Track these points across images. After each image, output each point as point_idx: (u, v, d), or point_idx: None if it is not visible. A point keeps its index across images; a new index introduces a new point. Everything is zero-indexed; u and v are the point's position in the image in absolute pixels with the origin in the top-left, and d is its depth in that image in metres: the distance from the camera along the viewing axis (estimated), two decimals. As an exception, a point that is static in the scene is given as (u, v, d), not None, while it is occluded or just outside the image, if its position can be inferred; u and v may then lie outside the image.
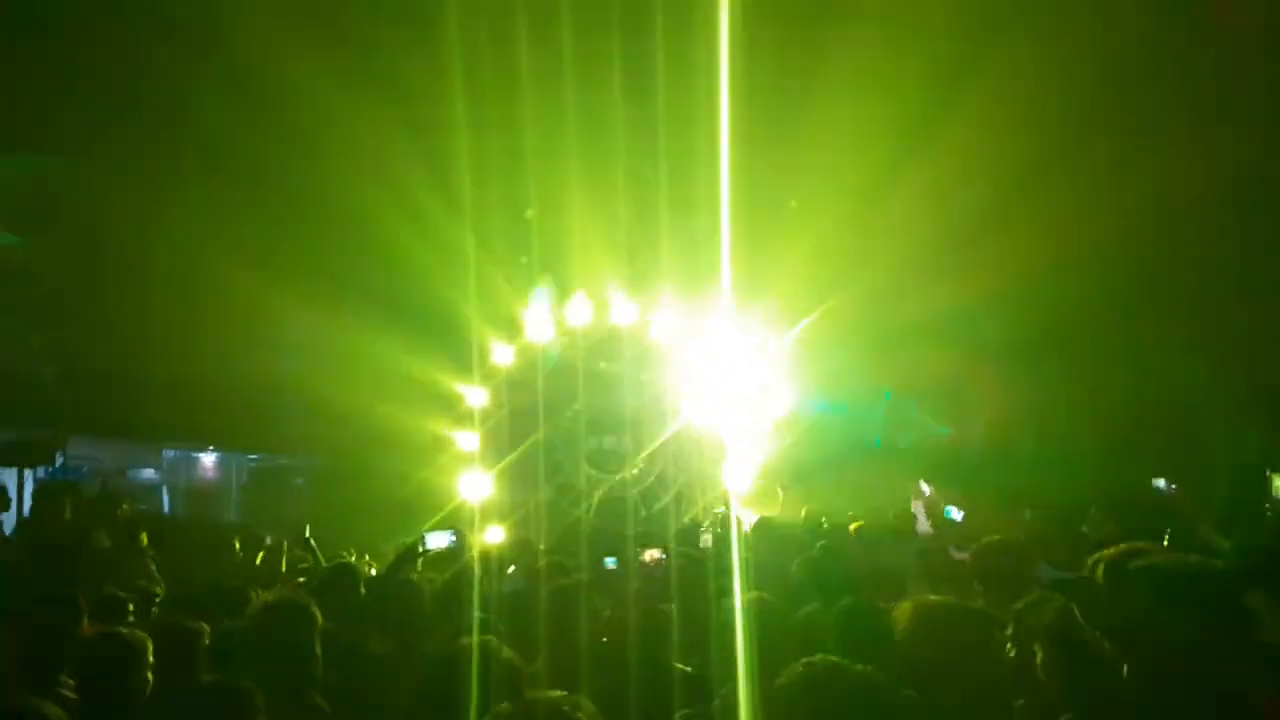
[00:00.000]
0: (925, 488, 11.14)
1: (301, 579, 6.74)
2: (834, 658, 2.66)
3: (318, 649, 3.65)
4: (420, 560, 6.80)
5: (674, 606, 4.39)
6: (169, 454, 16.53)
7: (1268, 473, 9.85)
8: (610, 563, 7.03)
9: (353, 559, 7.98)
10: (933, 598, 3.84)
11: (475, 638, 3.21)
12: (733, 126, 10.23)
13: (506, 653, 3.11)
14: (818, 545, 6.90)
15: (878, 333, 12.35)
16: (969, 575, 5.48)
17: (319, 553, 7.57)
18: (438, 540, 7.01)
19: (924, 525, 9.28)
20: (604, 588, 5.94)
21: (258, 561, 8.22)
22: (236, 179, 11.73)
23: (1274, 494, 9.74)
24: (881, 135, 10.87)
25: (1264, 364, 10.93)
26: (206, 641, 3.93)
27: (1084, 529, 7.40)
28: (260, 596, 4.08)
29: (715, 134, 10.37)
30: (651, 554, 7.31)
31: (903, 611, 3.61)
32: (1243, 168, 10.41)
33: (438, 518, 11.16)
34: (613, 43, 10.80)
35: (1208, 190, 10.71)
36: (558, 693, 2.59)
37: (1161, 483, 11.60)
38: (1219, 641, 2.54)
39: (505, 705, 2.59)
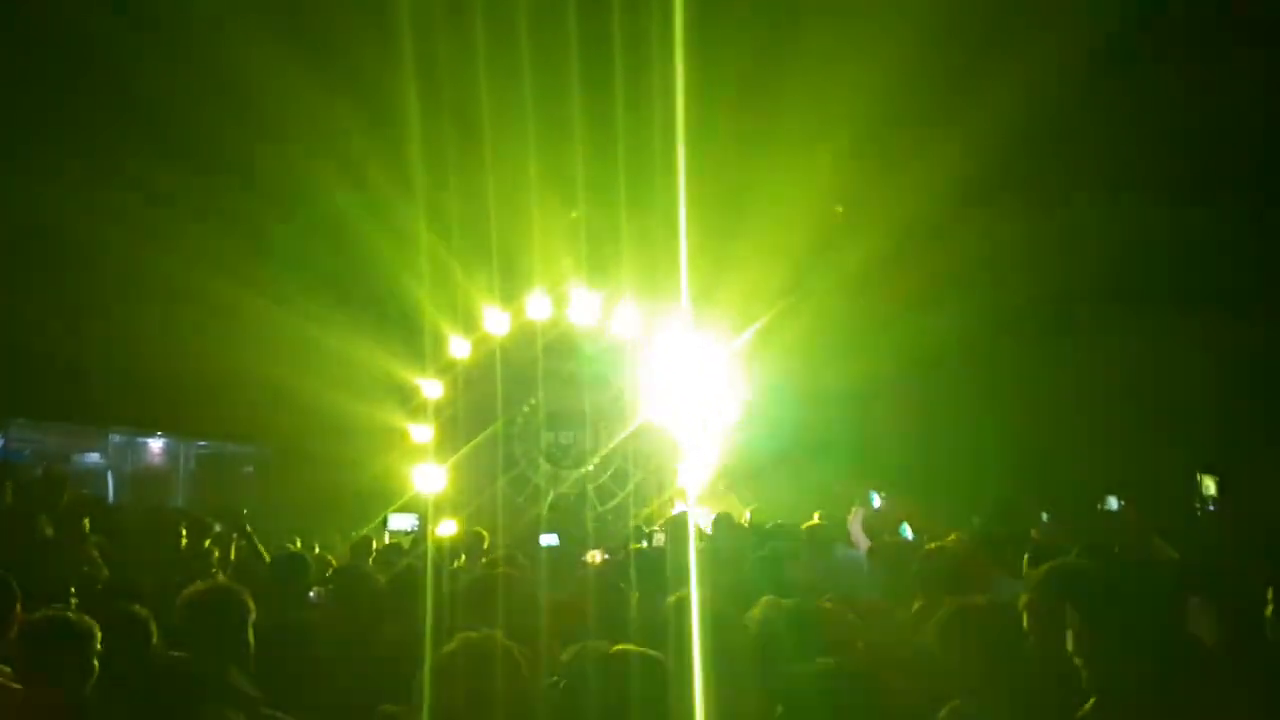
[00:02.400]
0: (876, 499, 10.50)
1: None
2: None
3: (250, 637, 3.62)
4: (373, 553, 6.75)
5: (632, 603, 4.40)
6: (115, 439, 16.23)
7: (1198, 475, 10.00)
8: (548, 540, 7.03)
9: (298, 548, 7.91)
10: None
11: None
12: (689, 124, 10.25)
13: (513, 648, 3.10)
14: (768, 546, 6.90)
15: (833, 332, 12.45)
16: (918, 580, 5.50)
17: (256, 540, 7.47)
18: (401, 522, 6.96)
19: (861, 541, 8.04)
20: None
21: (204, 549, 8.08)
22: (187, 161, 11.55)
23: (1204, 494, 9.86)
24: (840, 136, 10.98)
25: (1195, 367, 11.17)
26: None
27: (1033, 534, 7.45)
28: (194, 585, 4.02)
29: (673, 132, 10.39)
30: (594, 555, 7.29)
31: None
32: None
33: (392, 508, 11.09)
34: (571, 39, 10.79)
35: (1157, 198, 10.97)
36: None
37: (1113, 501, 11.62)
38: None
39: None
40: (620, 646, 3.01)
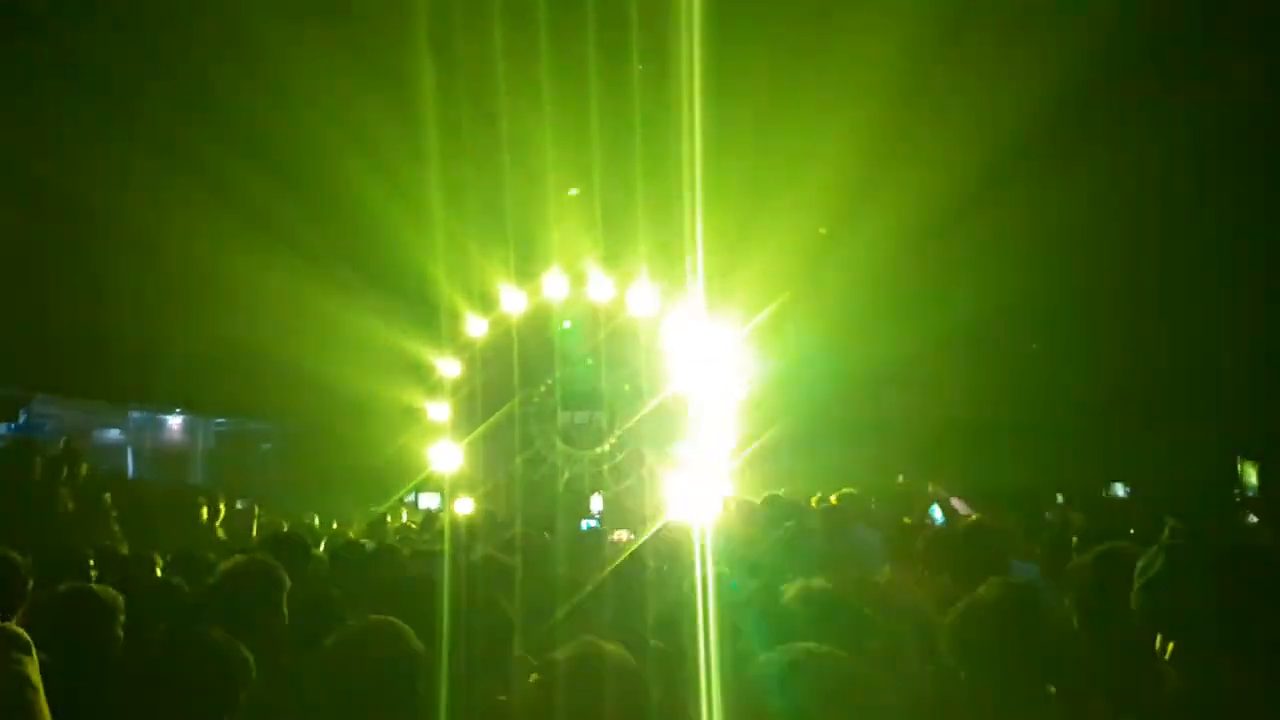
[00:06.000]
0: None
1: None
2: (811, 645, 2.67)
3: (284, 610, 3.64)
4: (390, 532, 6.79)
5: (649, 583, 4.42)
6: (135, 415, 16.34)
7: (1238, 461, 9.88)
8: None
9: (315, 524, 7.98)
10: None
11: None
12: (706, 104, 10.23)
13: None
14: (786, 525, 6.90)
15: (851, 314, 12.41)
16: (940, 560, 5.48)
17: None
18: (427, 501, 7.03)
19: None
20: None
21: (219, 525, 8.15)
22: (212, 140, 11.58)
23: (1245, 483, 9.72)
24: (857, 118, 10.92)
25: (1229, 353, 11.07)
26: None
27: (1046, 516, 7.43)
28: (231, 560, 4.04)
29: (690, 111, 10.36)
30: (620, 535, 7.35)
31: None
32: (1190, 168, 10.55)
33: (410, 485, 11.14)
34: (589, 19, 10.76)
35: (1168, 186, 10.85)
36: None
37: (1119, 488, 11.57)
38: None
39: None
40: (592, 643, 2.77)
